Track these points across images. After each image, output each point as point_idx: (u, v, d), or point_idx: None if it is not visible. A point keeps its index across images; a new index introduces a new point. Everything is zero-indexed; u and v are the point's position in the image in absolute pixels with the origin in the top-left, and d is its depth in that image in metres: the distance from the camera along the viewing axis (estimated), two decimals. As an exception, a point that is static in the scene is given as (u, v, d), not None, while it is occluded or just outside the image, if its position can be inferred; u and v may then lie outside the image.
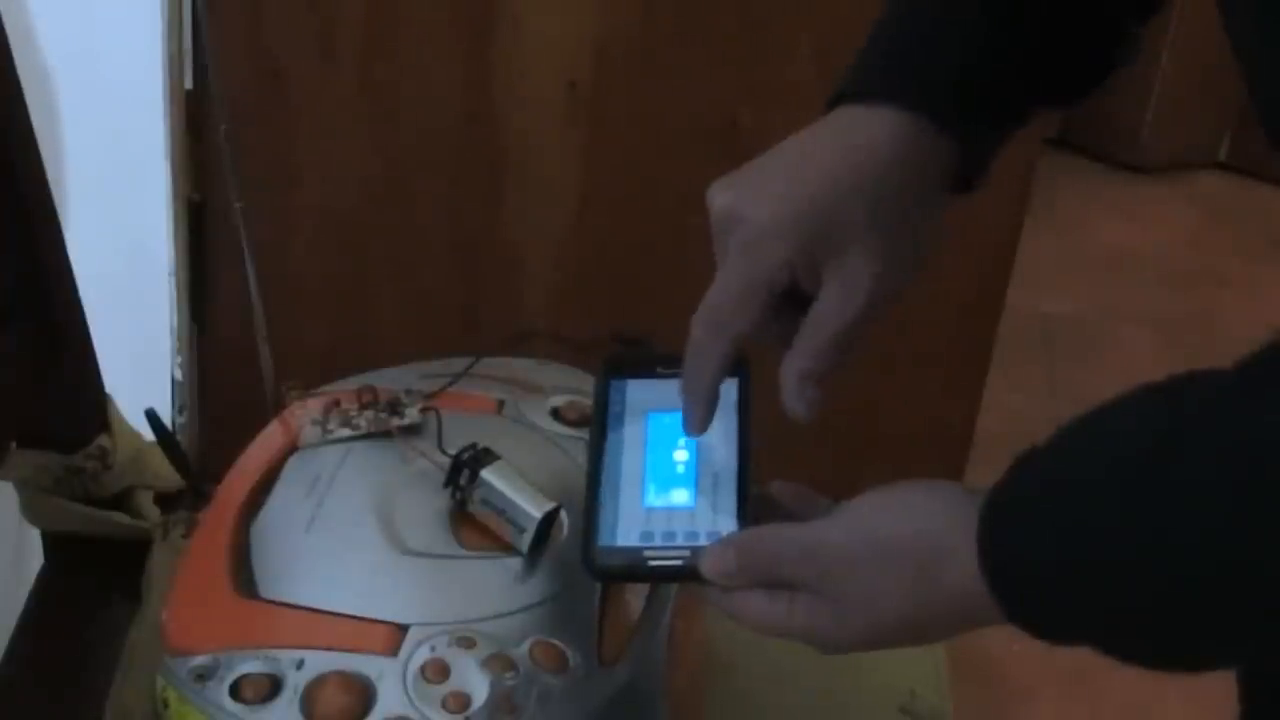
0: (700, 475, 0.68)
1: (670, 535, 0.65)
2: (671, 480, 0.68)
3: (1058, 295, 2.70)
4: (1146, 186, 3.21)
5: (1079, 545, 0.52)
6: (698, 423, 0.67)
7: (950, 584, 0.56)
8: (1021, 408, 2.11)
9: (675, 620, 0.77)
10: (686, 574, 0.63)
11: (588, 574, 0.66)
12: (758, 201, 0.64)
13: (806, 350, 0.65)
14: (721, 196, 0.65)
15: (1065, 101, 0.72)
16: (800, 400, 0.65)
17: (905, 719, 0.94)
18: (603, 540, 0.65)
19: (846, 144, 0.66)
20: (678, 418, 0.69)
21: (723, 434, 0.69)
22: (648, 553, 0.65)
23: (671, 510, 0.67)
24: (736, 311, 0.64)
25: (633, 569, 0.65)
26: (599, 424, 0.71)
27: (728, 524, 0.65)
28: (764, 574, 0.61)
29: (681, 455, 0.69)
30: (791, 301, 0.65)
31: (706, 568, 0.62)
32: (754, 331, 0.65)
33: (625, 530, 0.66)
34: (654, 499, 0.67)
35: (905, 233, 0.66)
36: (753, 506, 0.66)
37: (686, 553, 0.64)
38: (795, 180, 0.65)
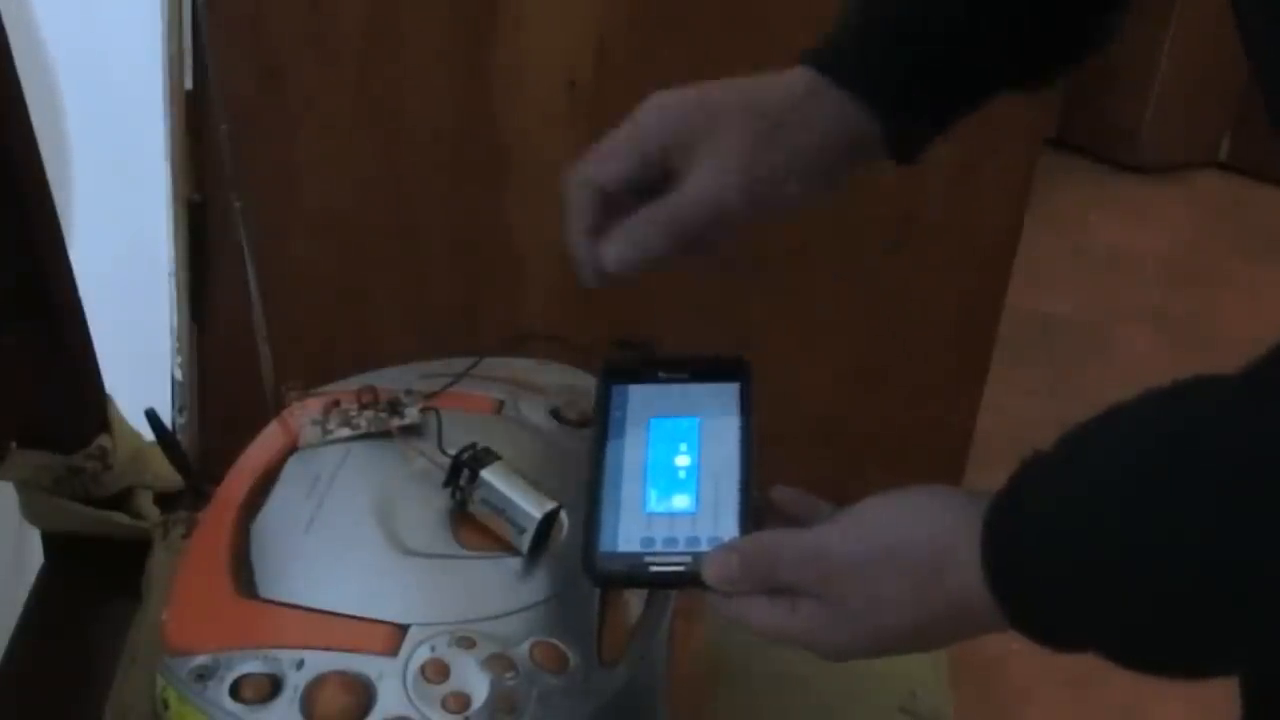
0: (702, 480, 0.68)
1: (672, 541, 0.65)
2: (673, 485, 0.68)
3: (1058, 295, 2.70)
4: (1146, 186, 3.21)
5: (1083, 553, 0.52)
6: (587, 269, 0.70)
7: (953, 590, 0.56)
8: (1021, 408, 2.10)
9: (675, 620, 0.77)
10: (688, 580, 0.63)
11: (589, 580, 0.66)
12: (665, 94, 0.70)
13: (633, 227, 0.68)
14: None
15: (1032, 86, 0.73)
16: (609, 252, 0.69)
17: (905, 719, 0.94)
18: (604, 546, 0.65)
19: (768, 79, 0.70)
20: (679, 422, 0.69)
21: (724, 439, 0.69)
22: (649, 558, 0.65)
23: (673, 515, 0.66)
24: (602, 162, 0.69)
25: (634, 575, 0.65)
26: (600, 428, 0.71)
27: (729, 529, 0.65)
28: (766, 580, 0.61)
29: (683, 460, 0.69)
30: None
31: (708, 573, 0.62)
32: (616, 188, 0.69)
33: (626, 536, 0.66)
34: (655, 504, 0.67)
35: (790, 164, 0.69)
36: (754, 512, 0.66)
37: (688, 558, 0.64)
38: (706, 88, 0.70)
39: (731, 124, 0.68)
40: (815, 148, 0.69)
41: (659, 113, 0.69)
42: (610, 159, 0.70)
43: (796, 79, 0.70)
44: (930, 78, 0.69)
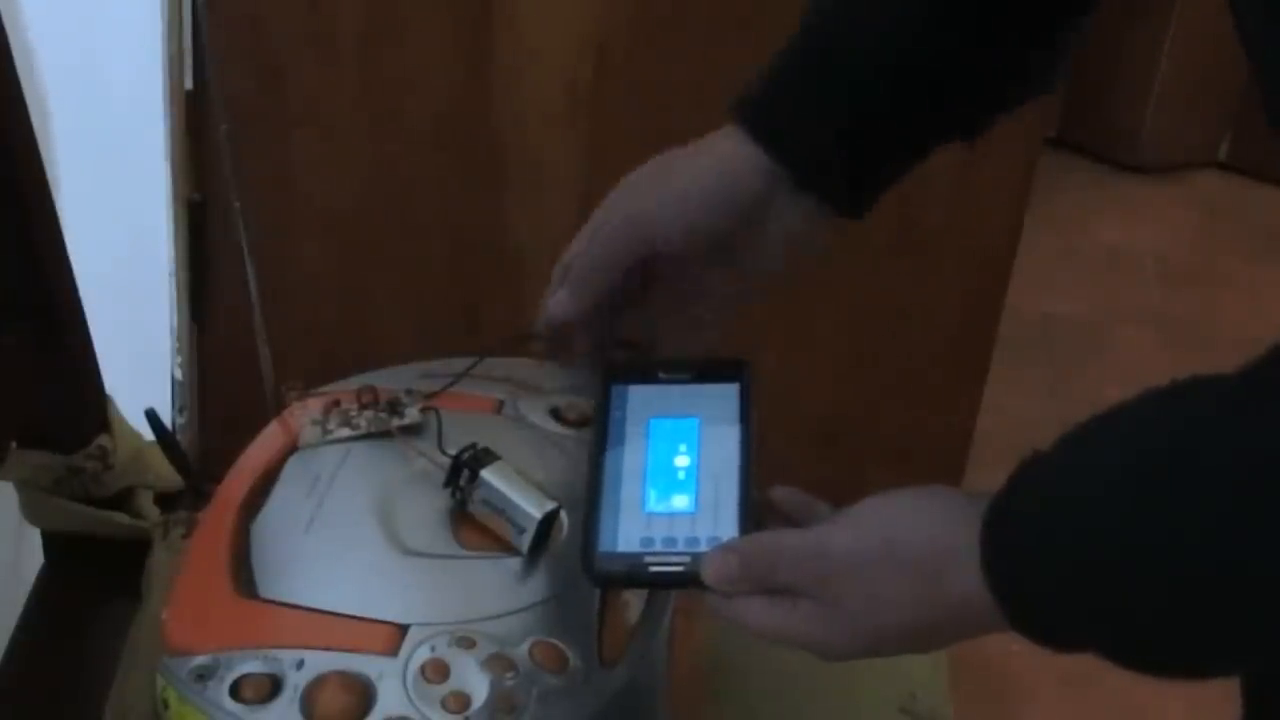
0: (701, 480, 0.68)
1: (671, 541, 0.65)
2: (672, 485, 0.68)
3: (1058, 295, 2.70)
4: (1146, 186, 3.21)
5: (1082, 553, 0.52)
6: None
7: (953, 591, 0.56)
8: (1021, 408, 2.10)
9: (675, 620, 0.77)
10: (687, 580, 0.63)
11: (588, 580, 0.66)
12: (632, 200, 0.77)
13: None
14: (614, 193, 0.77)
15: (965, 137, 0.74)
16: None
17: (905, 719, 0.94)
18: (603, 546, 0.65)
19: (711, 161, 0.74)
20: (679, 423, 0.69)
21: (724, 439, 0.69)
22: (648, 558, 0.65)
23: (672, 515, 0.66)
24: (579, 289, 0.77)
25: (633, 575, 0.65)
26: (599, 429, 0.71)
27: (729, 529, 0.65)
28: (765, 580, 0.61)
29: (683, 461, 0.69)
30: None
31: (707, 574, 0.62)
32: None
33: (626, 536, 0.66)
34: (655, 504, 0.67)
35: (744, 252, 0.74)
36: (754, 512, 0.66)
37: (687, 558, 0.64)
38: (663, 185, 0.75)
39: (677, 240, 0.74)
40: (781, 238, 0.74)
41: (625, 238, 0.76)
42: (586, 285, 0.77)
43: (745, 170, 0.73)
44: (862, 152, 0.72)
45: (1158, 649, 0.53)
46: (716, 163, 0.73)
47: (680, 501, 0.67)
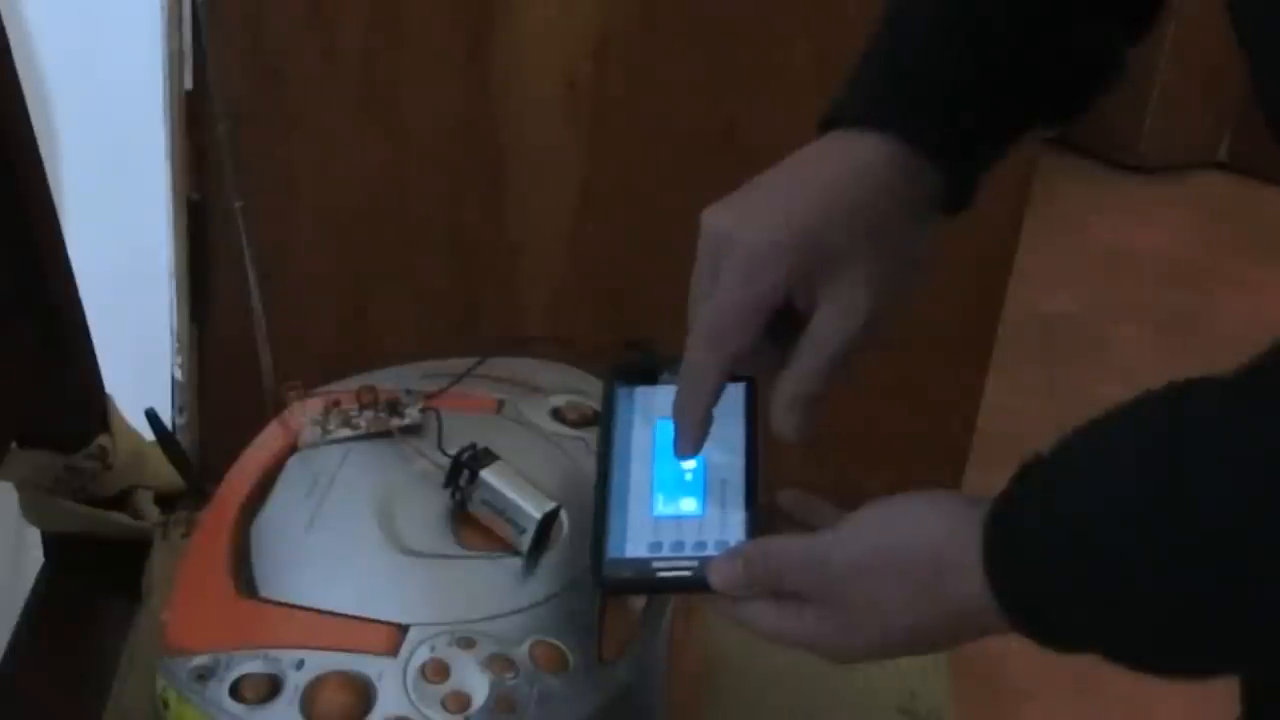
0: (708, 483, 0.68)
1: (679, 545, 0.65)
2: (679, 489, 0.68)
3: (1058, 295, 2.70)
4: (1146, 186, 3.21)
5: (1083, 555, 0.52)
6: (692, 444, 0.67)
7: (956, 595, 0.56)
8: (1021, 408, 2.11)
9: (675, 620, 0.77)
10: (695, 585, 0.63)
11: (597, 587, 0.66)
12: (754, 226, 0.65)
13: (799, 373, 0.65)
14: (716, 220, 0.66)
15: (1058, 121, 0.72)
16: (788, 423, 0.65)
17: (905, 719, 0.94)
18: (611, 552, 0.65)
19: (838, 169, 0.66)
20: None
21: (730, 442, 0.69)
22: (656, 564, 0.65)
23: (680, 520, 0.66)
24: (735, 331, 0.65)
25: (642, 580, 0.65)
26: (606, 432, 0.71)
27: (736, 533, 0.65)
28: (772, 584, 0.61)
29: (689, 464, 0.69)
30: (784, 322, 0.66)
31: (714, 579, 0.62)
32: (750, 352, 0.65)
33: (634, 541, 0.66)
34: (662, 508, 0.67)
35: (898, 254, 0.67)
36: (761, 516, 0.66)
37: (695, 563, 0.64)
38: (790, 205, 0.65)
39: (848, 257, 0.65)
40: (916, 237, 0.68)
41: (769, 267, 0.64)
42: (741, 328, 0.65)
43: (870, 161, 0.66)
44: (969, 121, 0.68)
45: (1159, 650, 0.53)
46: (844, 165, 0.67)
47: (688, 505, 0.67)
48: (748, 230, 0.65)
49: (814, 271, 0.64)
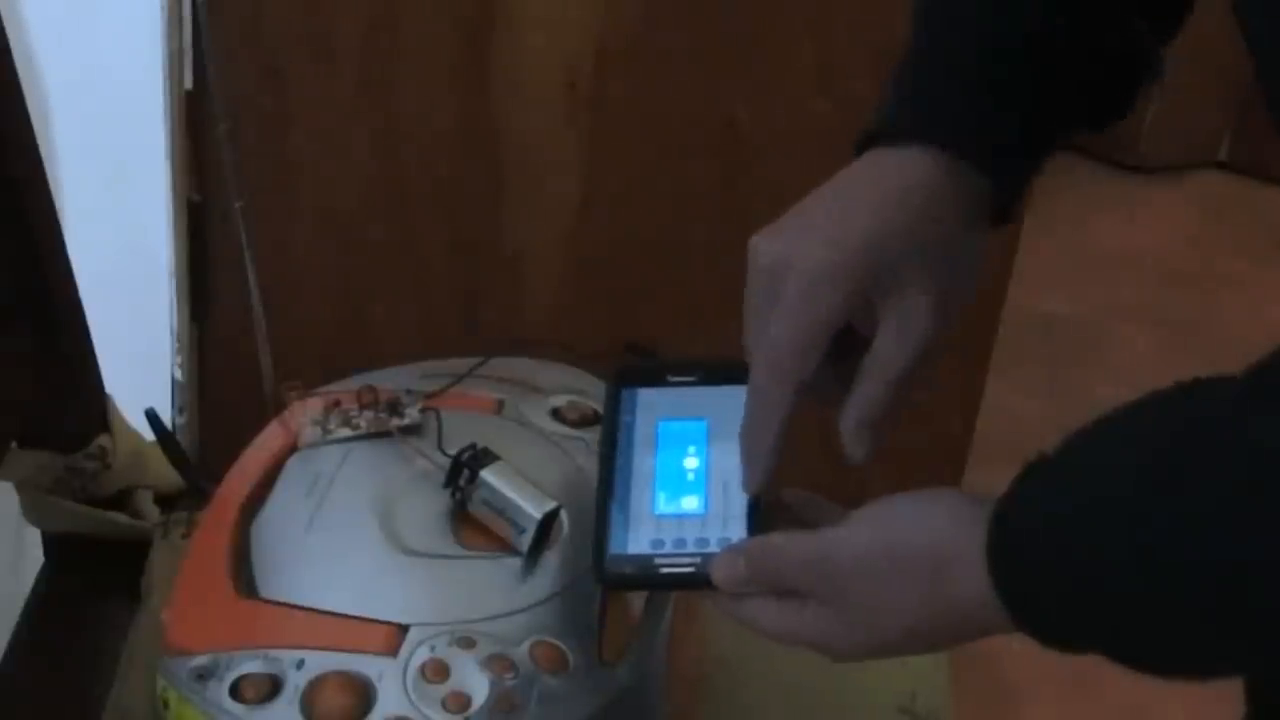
0: (711, 482, 0.68)
1: (681, 542, 0.65)
2: (682, 487, 0.68)
3: (1058, 295, 2.70)
4: (1146, 186, 3.20)
5: (1088, 555, 0.52)
6: (761, 475, 0.66)
7: (959, 594, 0.56)
8: (1021, 408, 2.10)
9: (675, 620, 0.77)
10: (697, 581, 0.63)
11: (599, 583, 0.66)
12: (809, 248, 0.64)
13: (866, 398, 0.64)
14: (769, 245, 0.65)
15: (1098, 125, 0.72)
16: (859, 450, 0.65)
17: (905, 719, 0.94)
18: (613, 549, 0.65)
19: (888, 186, 0.66)
20: (688, 425, 0.69)
21: (733, 441, 0.69)
22: (658, 560, 0.65)
23: (682, 517, 0.67)
24: (799, 358, 0.64)
25: (644, 577, 0.66)
26: (609, 432, 0.71)
27: (738, 531, 0.65)
28: (774, 582, 0.61)
29: (692, 462, 0.69)
30: (843, 345, 0.65)
31: (716, 576, 0.62)
32: (814, 377, 0.64)
33: (636, 538, 0.66)
34: (664, 506, 0.67)
35: (952, 268, 0.66)
36: (763, 513, 0.66)
37: (697, 560, 0.64)
38: (843, 226, 0.64)
39: (905, 275, 0.64)
40: (967, 249, 0.67)
41: (830, 289, 0.63)
42: (805, 354, 0.64)
43: (917, 177, 0.65)
44: (1010, 127, 0.68)
45: (1163, 650, 0.53)
46: (893, 183, 0.66)
47: (690, 503, 0.67)
48: (805, 253, 0.64)
49: (873, 291, 0.64)
